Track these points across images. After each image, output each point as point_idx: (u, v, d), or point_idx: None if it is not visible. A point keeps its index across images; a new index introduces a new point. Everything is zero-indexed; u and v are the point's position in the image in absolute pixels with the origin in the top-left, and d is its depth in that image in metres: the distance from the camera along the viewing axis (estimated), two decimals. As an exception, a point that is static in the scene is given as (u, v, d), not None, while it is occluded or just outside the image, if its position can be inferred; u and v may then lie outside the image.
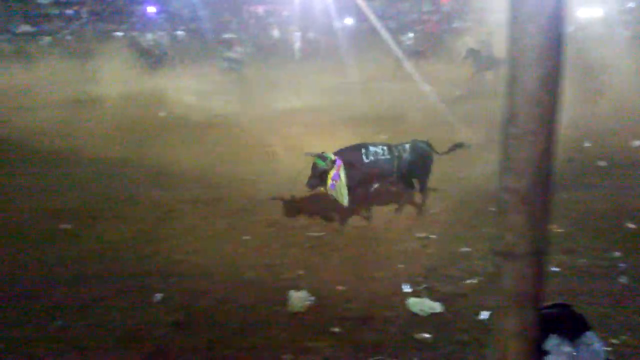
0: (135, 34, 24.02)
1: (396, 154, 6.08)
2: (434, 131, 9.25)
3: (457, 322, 4.17)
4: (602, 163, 8.19)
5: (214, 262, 5.36)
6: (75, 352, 3.90)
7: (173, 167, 8.56)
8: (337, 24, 22.34)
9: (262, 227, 6.25)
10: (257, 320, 4.30)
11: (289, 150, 8.71)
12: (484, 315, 4.16)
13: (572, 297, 4.22)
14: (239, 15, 30.63)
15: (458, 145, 6.52)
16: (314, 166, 5.84)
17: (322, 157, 5.83)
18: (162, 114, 12.79)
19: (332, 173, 5.81)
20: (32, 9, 30.60)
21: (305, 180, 5.88)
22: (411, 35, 19.77)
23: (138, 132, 10.95)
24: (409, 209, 6.57)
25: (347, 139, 6.72)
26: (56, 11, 31.32)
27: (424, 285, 4.75)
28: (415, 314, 4.31)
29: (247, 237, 5.97)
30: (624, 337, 3.79)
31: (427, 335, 4.01)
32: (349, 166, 5.87)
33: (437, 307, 4.38)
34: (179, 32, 27.48)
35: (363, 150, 5.99)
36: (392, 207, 6.54)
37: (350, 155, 5.95)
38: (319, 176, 5.82)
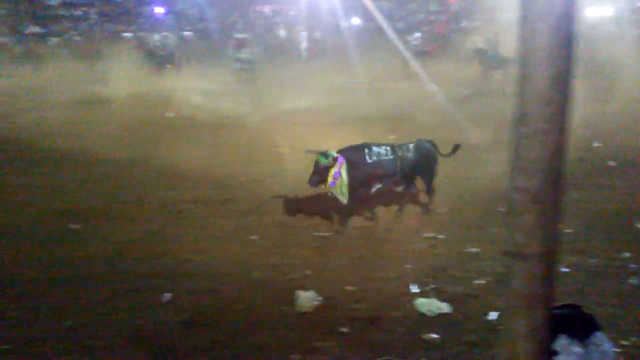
0: (142, 34, 24.10)
1: (399, 154, 6.07)
2: (442, 131, 9.24)
3: (465, 323, 4.15)
4: (612, 163, 8.14)
5: (222, 262, 5.37)
6: (84, 352, 3.91)
7: (181, 167, 8.58)
8: (344, 24, 22.32)
9: (270, 227, 6.26)
10: (265, 320, 4.30)
11: (296, 150, 8.71)
12: (493, 315, 4.14)
13: (581, 298, 4.19)
14: (245, 16, 30.69)
15: (456, 147, 6.48)
16: (316, 163, 5.86)
17: (324, 154, 5.84)
18: (170, 114, 12.84)
19: (333, 170, 5.81)
20: (41, 10, 30.86)
21: (308, 177, 5.90)
22: (418, 35, 19.70)
23: (146, 132, 10.99)
24: (416, 209, 6.55)
25: (355, 139, 6.70)
26: (65, 12, 31.56)
27: (432, 286, 4.74)
28: (423, 315, 4.30)
29: (255, 237, 5.98)
30: (633, 339, 3.77)
31: (435, 336, 3.99)
32: (351, 165, 5.87)
33: (445, 307, 4.37)
34: (187, 33, 27.55)
35: (366, 150, 5.98)
36: (399, 207, 6.52)
37: (353, 155, 5.95)
38: (320, 173, 5.83)
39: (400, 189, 6.36)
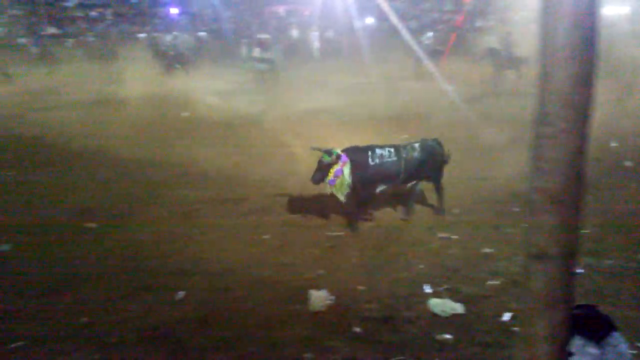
0: (155, 35, 24.25)
1: (404, 155, 6.02)
2: (455, 130, 9.19)
3: (479, 324, 4.12)
4: (629, 163, 8.03)
5: (236, 261, 5.39)
6: (99, 348, 3.96)
7: (196, 167, 8.63)
8: (358, 24, 22.28)
9: (283, 227, 6.27)
10: (278, 318, 4.31)
11: (310, 150, 8.69)
12: (507, 316, 4.11)
13: (597, 299, 4.15)
14: (260, 16, 30.77)
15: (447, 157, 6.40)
16: (320, 161, 5.87)
17: (328, 151, 5.84)
18: (185, 114, 12.91)
19: (335, 168, 5.81)
20: (57, 12, 31.23)
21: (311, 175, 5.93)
22: (430, 34, 19.55)
23: (161, 132, 11.06)
24: (429, 210, 6.52)
25: (368, 139, 6.69)
26: (81, 14, 31.92)
27: (446, 286, 4.71)
28: (436, 315, 4.28)
29: (268, 237, 5.99)
30: (651, 342, 3.71)
31: (448, 336, 3.97)
32: (354, 166, 5.86)
33: (458, 308, 4.34)
34: (201, 33, 27.67)
35: (369, 153, 5.96)
36: (407, 208, 6.48)
37: (357, 155, 5.94)
38: (323, 170, 5.84)
39: (407, 188, 6.34)
